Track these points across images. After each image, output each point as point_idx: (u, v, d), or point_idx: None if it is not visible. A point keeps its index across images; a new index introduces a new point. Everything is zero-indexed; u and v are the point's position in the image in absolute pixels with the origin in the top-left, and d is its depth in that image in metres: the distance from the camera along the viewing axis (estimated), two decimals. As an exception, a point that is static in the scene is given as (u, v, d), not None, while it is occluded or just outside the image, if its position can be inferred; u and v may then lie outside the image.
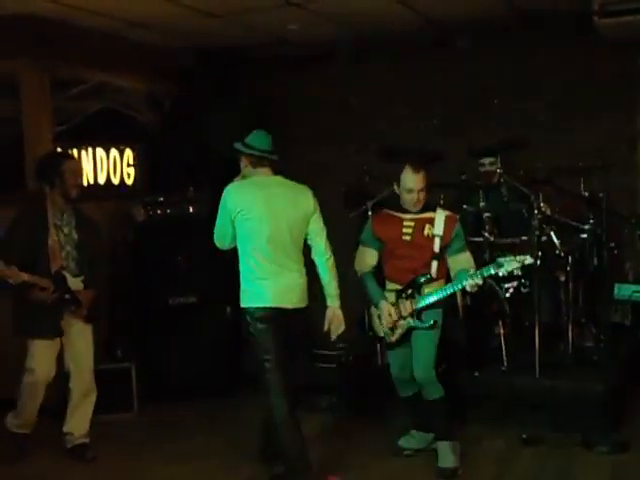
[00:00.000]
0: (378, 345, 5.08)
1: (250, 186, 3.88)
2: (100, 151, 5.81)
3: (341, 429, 4.79)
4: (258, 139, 3.95)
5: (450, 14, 5.38)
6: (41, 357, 4.33)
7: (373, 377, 4.99)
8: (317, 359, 5.32)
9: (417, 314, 4.04)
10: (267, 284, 3.80)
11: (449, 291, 4.01)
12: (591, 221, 5.13)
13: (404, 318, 4.07)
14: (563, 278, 4.88)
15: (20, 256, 4.19)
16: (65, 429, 4.52)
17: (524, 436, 4.39)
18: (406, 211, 4.11)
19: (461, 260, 4.07)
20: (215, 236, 3.92)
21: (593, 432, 4.30)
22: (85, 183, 5.70)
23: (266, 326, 3.79)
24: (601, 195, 5.18)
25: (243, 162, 3.97)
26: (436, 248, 4.04)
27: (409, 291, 4.07)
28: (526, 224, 4.90)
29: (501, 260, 3.89)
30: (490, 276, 3.94)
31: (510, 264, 3.87)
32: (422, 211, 4.09)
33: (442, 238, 4.04)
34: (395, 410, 4.59)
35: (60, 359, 4.45)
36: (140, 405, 5.19)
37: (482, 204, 5.04)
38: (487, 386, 4.67)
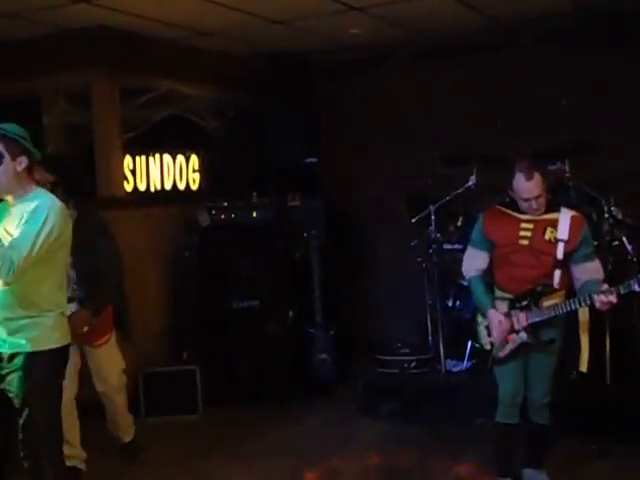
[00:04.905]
0: (442, 351, 5.03)
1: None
2: (167, 157, 5.94)
3: (400, 439, 4.68)
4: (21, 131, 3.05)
5: (515, 14, 5.28)
6: None
7: (435, 384, 4.92)
8: (380, 364, 5.30)
9: (532, 329, 3.54)
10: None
11: (573, 306, 3.47)
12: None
13: (517, 332, 3.56)
14: (636, 285, 4.67)
15: None
16: (109, 427, 4.46)
17: (595, 447, 4.25)
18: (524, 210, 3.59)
19: (589, 269, 3.56)
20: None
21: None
22: (152, 189, 5.85)
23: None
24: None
25: (16, 164, 2.99)
26: (559, 255, 3.51)
27: (524, 302, 3.56)
28: (596, 229, 4.74)
29: None
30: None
31: None
32: (544, 212, 3.57)
33: (567, 243, 3.51)
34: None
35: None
36: (204, 407, 5.26)
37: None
38: (557, 394, 4.54)
